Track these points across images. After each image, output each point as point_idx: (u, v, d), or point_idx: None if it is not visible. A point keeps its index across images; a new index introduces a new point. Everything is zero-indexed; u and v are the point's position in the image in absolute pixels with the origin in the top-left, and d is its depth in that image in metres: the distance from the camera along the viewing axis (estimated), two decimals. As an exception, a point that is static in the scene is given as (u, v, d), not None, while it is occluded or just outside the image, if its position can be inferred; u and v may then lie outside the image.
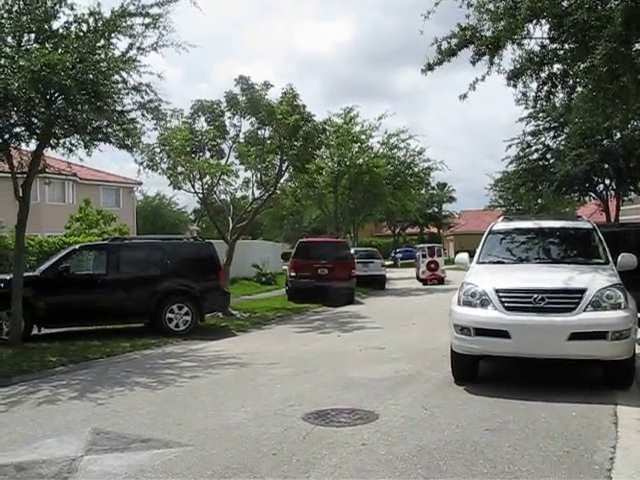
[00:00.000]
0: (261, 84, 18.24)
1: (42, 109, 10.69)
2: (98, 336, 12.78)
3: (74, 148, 11.75)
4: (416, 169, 34.20)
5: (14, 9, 10.72)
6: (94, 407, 7.39)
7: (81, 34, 10.99)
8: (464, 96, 10.57)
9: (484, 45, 9.95)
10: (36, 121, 11.19)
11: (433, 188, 59.72)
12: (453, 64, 10.39)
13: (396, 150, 33.24)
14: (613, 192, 26.33)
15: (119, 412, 7.06)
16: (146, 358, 11.13)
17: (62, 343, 11.85)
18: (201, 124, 18.77)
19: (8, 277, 12.14)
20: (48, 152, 12.53)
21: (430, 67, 10.70)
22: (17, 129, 11.48)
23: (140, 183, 37.78)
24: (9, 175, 12.07)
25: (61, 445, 5.82)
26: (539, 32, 9.70)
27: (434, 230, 73.87)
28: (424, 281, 32.34)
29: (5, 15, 10.72)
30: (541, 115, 24.40)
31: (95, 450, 5.63)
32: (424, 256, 33.17)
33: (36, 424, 6.64)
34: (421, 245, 39.30)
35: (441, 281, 32.05)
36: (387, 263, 38.93)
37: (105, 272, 13.48)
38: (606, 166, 24.38)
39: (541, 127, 25.23)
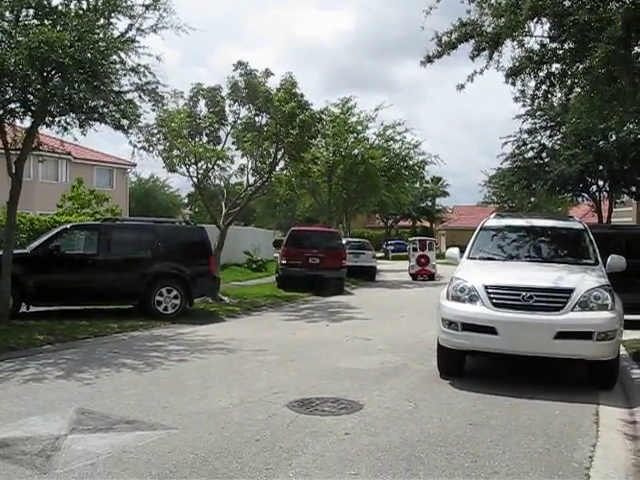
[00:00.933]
0: (262, 72, 18.17)
1: (38, 86, 10.64)
2: (86, 316, 12.78)
3: (69, 127, 11.73)
4: (411, 162, 34.12)
5: (13, -17, 10.61)
6: (80, 387, 7.40)
7: (80, 12, 10.90)
8: (462, 87, 10.57)
9: (484, 41, 9.95)
10: (32, 98, 11.14)
11: (427, 182, 59.95)
12: (454, 59, 10.43)
13: (392, 142, 33.17)
14: (606, 194, 26.46)
15: (105, 393, 7.07)
16: (134, 340, 11.14)
17: (50, 322, 11.84)
18: (200, 108, 18.72)
19: (-2, 253, 12.09)
20: (42, 130, 12.47)
21: (429, 59, 10.70)
22: (12, 105, 11.42)
23: (134, 165, 37.65)
24: (2, 151, 12.00)
25: (45, 423, 5.83)
26: (539, 31, 9.71)
27: (426, 224, 74.00)
28: (413, 276, 31.06)
29: (4, -11, 10.61)
30: (538, 113, 24.44)
31: (79, 429, 5.65)
32: (414, 249, 31.82)
33: (21, 401, 6.65)
34: (413, 238, 37.10)
35: (431, 277, 30.64)
36: (378, 255, 38.96)
37: (96, 252, 13.47)
38: (600, 167, 24.47)
39: (538, 125, 25.27)
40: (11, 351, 9.48)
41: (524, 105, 19.33)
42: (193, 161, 18.59)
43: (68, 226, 14.36)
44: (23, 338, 10.19)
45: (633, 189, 25.72)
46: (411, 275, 31.30)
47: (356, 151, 30.36)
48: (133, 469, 4.74)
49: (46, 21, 10.59)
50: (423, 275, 30.75)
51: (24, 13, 10.79)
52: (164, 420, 6.00)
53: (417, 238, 35.19)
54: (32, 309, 12.86)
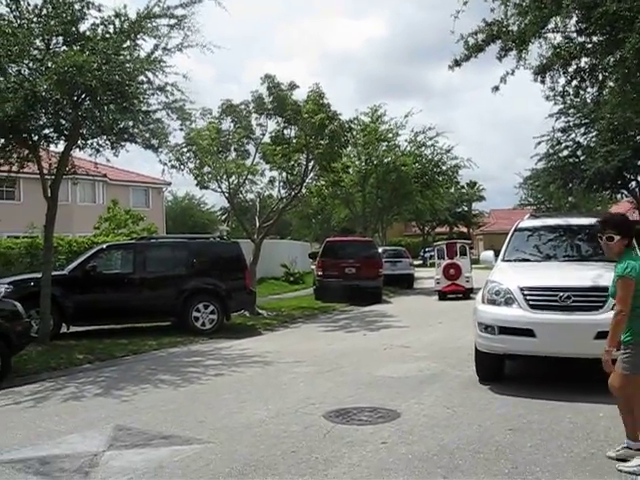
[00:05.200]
0: (287, 84, 18.25)
1: (69, 110, 10.89)
2: (125, 334, 12.93)
3: (101, 149, 11.95)
4: (444, 167, 33.74)
5: (43, 13, 10.89)
6: (118, 404, 7.47)
7: (107, 36, 11.11)
8: (496, 88, 10.50)
9: (510, 40, 9.83)
10: (64, 122, 11.38)
11: (463, 187, 59.28)
12: (488, 60, 10.36)
13: (423, 148, 32.89)
14: (646, 189, 25.81)
15: (142, 409, 7.12)
16: (172, 356, 11.22)
17: (90, 341, 12.03)
18: (228, 124, 18.87)
19: (38, 276, 12.31)
20: (77, 153, 12.73)
21: (457, 63, 10.64)
22: (46, 130, 11.68)
23: (169, 183, 38.08)
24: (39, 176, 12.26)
25: (84, 440, 5.89)
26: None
27: (464, 229, 73.18)
28: (441, 294, 22.43)
29: (34, 19, 10.90)
30: (571, 111, 24.02)
31: (116, 446, 5.69)
32: (441, 257, 23.87)
33: (61, 420, 6.75)
34: (438, 243, 28.07)
35: (466, 294, 21.84)
36: (416, 262, 38.57)
37: (132, 271, 13.63)
38: (639, 162, 23.90)
39: (571, 123, 24.82)
40: (52, 371, 9.66)
41: (556, 103, 19.03)
42: (225, 177, 18.73)
43: (104, 246, 14.56)
44: (64, 358, 10.37)
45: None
46: (437, 293, 22.82)
47: (388, 159, 30.21)
48: (169, 484, 4.74)
49: (74, 46, 10.82)
50: (454, 292, 22.26)
51: (54, 40, 11.05)
52: (200, 434, 6.00)
53: (443, 242, 26.09)
54: (72, 329, 13.08)
